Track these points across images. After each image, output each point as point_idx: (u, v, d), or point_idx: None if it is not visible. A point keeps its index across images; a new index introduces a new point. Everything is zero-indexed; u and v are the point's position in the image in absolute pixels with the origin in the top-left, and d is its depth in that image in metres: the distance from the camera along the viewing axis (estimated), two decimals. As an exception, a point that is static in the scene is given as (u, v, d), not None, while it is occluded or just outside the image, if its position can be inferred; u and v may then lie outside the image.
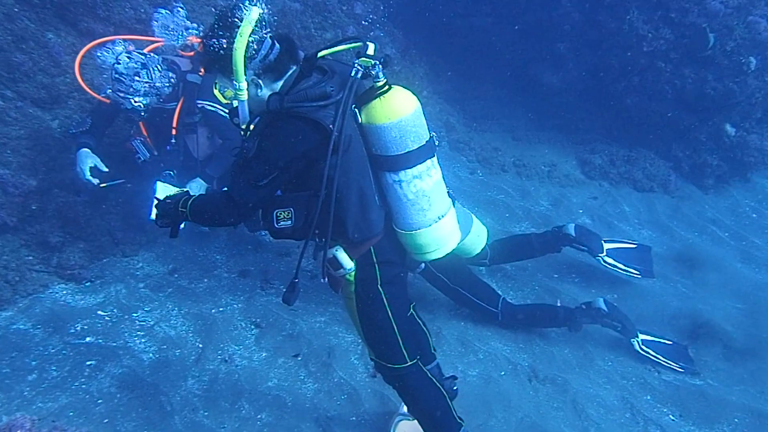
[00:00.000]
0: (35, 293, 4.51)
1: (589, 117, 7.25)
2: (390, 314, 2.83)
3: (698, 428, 3.90)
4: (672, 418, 3.95)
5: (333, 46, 2.68)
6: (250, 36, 2.36)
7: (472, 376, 4.09)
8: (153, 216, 4.25)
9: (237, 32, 2.35)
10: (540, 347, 4.39)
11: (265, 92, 2.55)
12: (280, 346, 4.26)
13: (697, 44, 6.15)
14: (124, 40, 4.32)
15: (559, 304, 4.49)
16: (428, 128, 2.66)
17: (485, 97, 7.74)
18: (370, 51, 2.56)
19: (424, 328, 3.44)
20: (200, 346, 4.21)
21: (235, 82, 2.43)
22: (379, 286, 2.79)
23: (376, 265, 2.77)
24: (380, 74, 2.50)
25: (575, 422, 3.82)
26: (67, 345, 4.14)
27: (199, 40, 4.69)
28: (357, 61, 2.52)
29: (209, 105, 4.39)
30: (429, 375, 3.05)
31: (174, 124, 4.39)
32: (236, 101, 2.53)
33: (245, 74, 2.41)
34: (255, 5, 2.41)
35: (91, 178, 4.23)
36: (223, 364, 4.05)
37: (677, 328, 4.67)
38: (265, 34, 2.46)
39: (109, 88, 4.24)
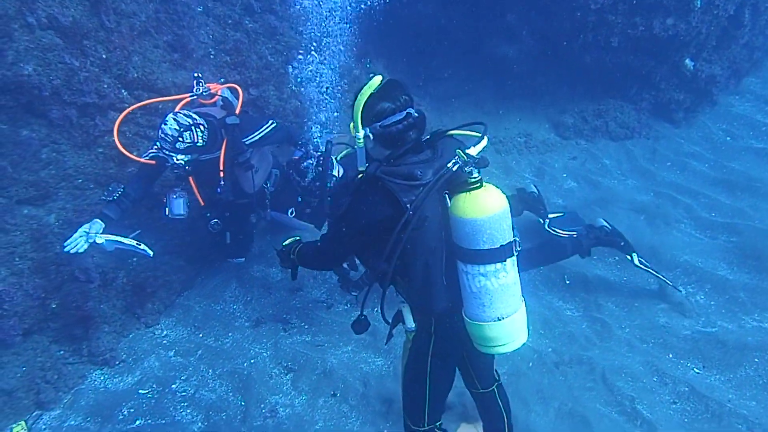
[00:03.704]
0: (75, 386, 4.66)
1: (552, 80, 7.38)
2: (428, 384, 3.02)
3: (723, 375, 4.15)
4: (696, 371, 4.20)
5: (457, 129, 2.83)
6: (367, 99, 2.64)
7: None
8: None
9: (360, 92, 2.66)
10: (559, 329, 4.62)
11: (377, 153, 2.74)
12: (316, 386, 4.46)
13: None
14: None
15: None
16: (512, 233, 2.62)
17: (448, 78, 7.82)
18: (474, 150, 2.59)
19: (501, 408, 3.43)
20: (243, 404, 4.40)
21: (356, 132, 2.71)
22: (429, 356, 2.95)
23: (433, 335, 2.87)
24: (473, 171, 2.55)
25: (609, 398, 4.06)
26: (120, 433, 4.32)
27: (218, 87, 4.94)
28: (458, 153, 2.60)
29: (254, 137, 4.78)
30: None
31: (221, 167, 4.62)
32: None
33: (363, 128, 2.68)
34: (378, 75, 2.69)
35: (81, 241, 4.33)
36: (270, 418, 4.25)
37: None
38: (394, 106, 2.67)
39: (155, 145, 4.55)
